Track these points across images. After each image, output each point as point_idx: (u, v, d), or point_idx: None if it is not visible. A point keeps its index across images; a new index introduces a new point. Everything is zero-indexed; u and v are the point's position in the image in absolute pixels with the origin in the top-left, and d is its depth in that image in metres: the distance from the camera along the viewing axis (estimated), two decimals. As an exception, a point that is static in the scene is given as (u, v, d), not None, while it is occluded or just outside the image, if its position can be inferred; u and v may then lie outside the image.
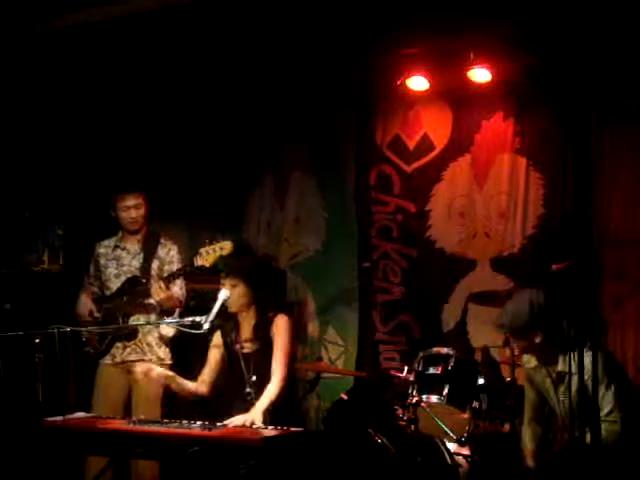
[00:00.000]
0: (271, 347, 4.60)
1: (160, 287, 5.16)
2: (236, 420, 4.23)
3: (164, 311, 5.34)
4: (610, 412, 4.06)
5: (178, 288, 5.40)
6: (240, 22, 5.56)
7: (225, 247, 4.97)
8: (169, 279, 5.22)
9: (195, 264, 5.04)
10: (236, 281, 4.66)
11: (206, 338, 4.76)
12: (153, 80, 6.35)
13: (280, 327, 4.64)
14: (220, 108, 6.63)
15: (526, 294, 4.34)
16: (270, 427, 4.10)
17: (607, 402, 4.06)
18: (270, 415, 4.38)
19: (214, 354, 4.81)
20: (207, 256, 4.97)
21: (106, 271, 5.45)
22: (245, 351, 4.69)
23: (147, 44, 5.79)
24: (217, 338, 4.81)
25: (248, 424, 4.18)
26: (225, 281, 4.68)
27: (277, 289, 5.03)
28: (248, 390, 4.53)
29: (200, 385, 4.74)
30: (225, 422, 4.21)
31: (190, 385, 4.71)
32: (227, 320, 4.75)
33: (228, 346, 4.76)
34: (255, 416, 4.27)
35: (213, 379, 4.77)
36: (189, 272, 5.24)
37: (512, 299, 4.42)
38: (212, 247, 4.97)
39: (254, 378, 4.56)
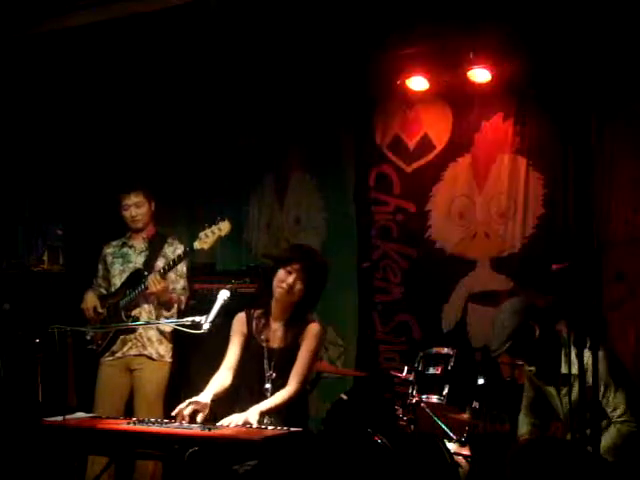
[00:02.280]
0: (296, 351, 4.38)
1: (156, 279, 5.19)
2: (232, 419, 4.16)
3: (162, 304, 5.35)
4: (623, 413, 4.05)
5: (181, 287, 5.43)
6: (240, 22, 5.57)
7: (223, 227, 5.02)
8: (165, 269, 5.24)
9: (195, 248, 5.09)
10: (300, 273, 4.35)
11: (207, 335, 4.59)
12: (154, 80, 6.35)
13: (310, 336, 4.40)
14: (220, 108, 6.63)
15: (502, 310, 4.33)
16: (270, 427, 4.09)
17: (618, 403, 4.06)
18: (273, 416, 4.32)
19: (239, 340, 4.51)
20: (206, 239, 5.04)
21: (112, 268, 5.50)
22: (271, 345, 4.46)
23: (149, 44, 5.80)
24: (240, 325, 4.52)
25: (241, 423, 4.11)
26: (291, 267, 4.35)
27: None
28: (267, 386, 4.41)
29: (228, 375, 4.44)
30: (222, 422, 4.17)
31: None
32: (256, 305, 4.52)
33: (252, 334, 4.50)
34: (250, 415, 4.18)
35: (237, 367, 4.49)
36: (187, 256, 5.25)
37: (495, 320, 4.39)
38: (210, 229, 5.02)
39: (274, 375, 4.43)
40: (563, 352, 4.21)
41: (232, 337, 4.55)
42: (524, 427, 4.50)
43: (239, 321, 4.53)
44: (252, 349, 4.49)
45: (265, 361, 4.43)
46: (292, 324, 4.44)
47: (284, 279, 4.37)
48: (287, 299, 4.41)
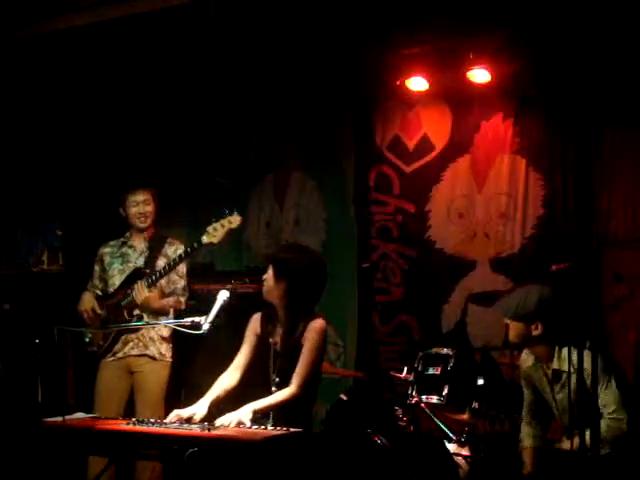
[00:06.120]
0: (298, 352, 4.29)
1: (140, 290, 5.15)
2: (224, 419, 4.13)
3: (155, 312, 5.30)
4: (613, 410, 4.08)
5: (181, 288, 5.39)
6: (240, 22, 5.57)
7: (234, 221, 4.94)
8: (152, 278, 5.17)
9: (203, 242, 4.98)
10: (273, 271, 4.34)
11: (207, 335, 4.57)
12: (154, 80, 6.36)
13: (311, 333, 4.29)
14: (220, 108, 6.64)
15: (536, 286, 4.37)
16: (270, 427, 4.09)
17: (609, 400, 4.08)
18: (276, 417, 4.30)
19: (251, 340, 4.48)
20: (215, 232, 4.92)
21: (110, 268, 5.44)
22: (277, 348, 4.41)
23: (150, 44, 5.80)
24: (254, 324, 4.50)
25: (234, 423, 4.09)
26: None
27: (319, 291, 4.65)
28: (273, 389, 4.37)
29: (234, 374, 4.42)
30: (216, 422, 4.14)
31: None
32: (268, 308, 4.46)
33: (265, 336, 4.45)
34: (243, 414, 4.15)
35: (246, 367, 4.46)
36: (190, 255, 5.17)
37: (521, 288, 4.44)
38: (220, 223, 4.93)
39: (277, 379, 4.41)
40: (556, 348, 4.26)
41: (245, 337, 4.50)
42: (528, 439, 4.50)
43: (254, 321, 4.49)
44: (263, 351, 4.46)
45: (270, 364, 4.41)
46: (291, 325, 4.38)
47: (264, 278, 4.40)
48: (268, 298, 4.38)
